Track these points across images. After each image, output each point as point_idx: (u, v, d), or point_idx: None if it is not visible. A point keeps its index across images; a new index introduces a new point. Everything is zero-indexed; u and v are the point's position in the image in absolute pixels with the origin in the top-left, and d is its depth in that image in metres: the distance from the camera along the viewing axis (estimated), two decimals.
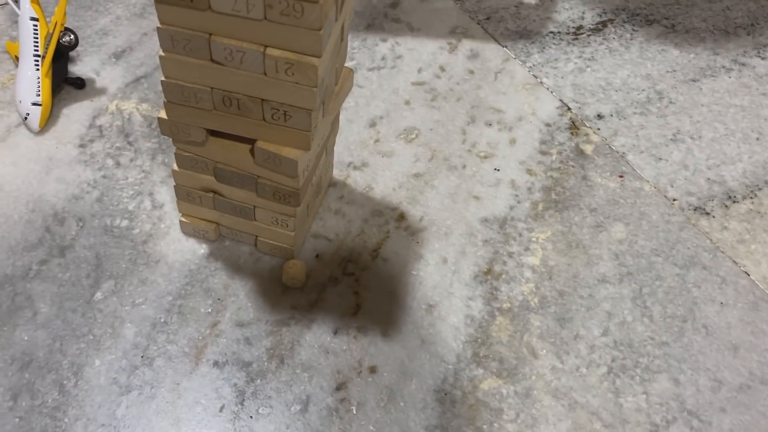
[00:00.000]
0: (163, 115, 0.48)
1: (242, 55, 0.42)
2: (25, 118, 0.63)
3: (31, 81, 0.63)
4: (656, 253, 0.62)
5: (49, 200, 0.60)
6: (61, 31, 0.64)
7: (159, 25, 0.42)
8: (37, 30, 0.64)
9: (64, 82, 0.66)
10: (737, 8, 0.86)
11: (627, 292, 0.59)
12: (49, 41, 0.63)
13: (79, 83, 0.67)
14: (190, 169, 0.52)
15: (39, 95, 0.63)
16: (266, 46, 0.41)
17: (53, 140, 0.64)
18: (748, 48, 0.82)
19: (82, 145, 0.64)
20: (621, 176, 0.67)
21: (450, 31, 0.79)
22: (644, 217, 0.65)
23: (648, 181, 0.68)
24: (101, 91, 0.68)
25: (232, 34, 0.41)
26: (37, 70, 0.63)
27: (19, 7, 0.65)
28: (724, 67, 0.79)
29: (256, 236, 0.57)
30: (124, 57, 0.71)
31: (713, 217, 0.65)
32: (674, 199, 0.66)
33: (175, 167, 0.53)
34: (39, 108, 0.63)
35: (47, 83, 0.63)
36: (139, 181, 0.62)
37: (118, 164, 0.63)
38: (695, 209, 0.66)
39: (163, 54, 0.43)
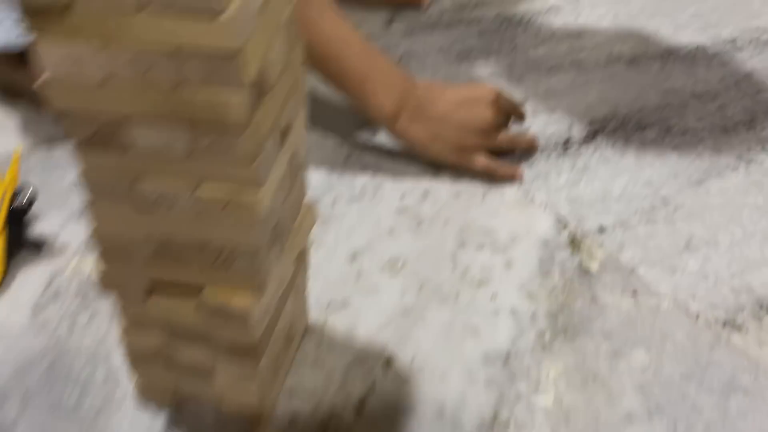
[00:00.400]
0: (98, 271, 0.43)
1: (172, 197, 0.37)
2: None
3: None
4: (687, 379, 0.54)
5: None
6: (13, 194, 0.60)
7: (79, 171, 0.37)
8: None
9: (21, 245, 0.62)
10: (732, 105, 0.82)
11: (660, 430, 0.50)
12: (1, 203, 0.60)
13: (38, 246, 0.63)
14: (137, 330, 0.46)
15: None
16: (197, 185, 0.36)
17: (4, 308, 0.58)
18: (751, 143, 0.77)
19: (35, 312, 0.58)
20: (634, 292, 0.60)
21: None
22: (667, 339, 0.57)
23: (666, 296, 0.60)
24: (61, 250, 0.63)
25: (159, 174, 0.36)
26: None
27: None
28: (729, 165, 0.74)
29: (220, 398, 0.50)
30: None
31: (747, 331, 0.57)
32: (698, 315, 0.59)
33: (122, 329, 0.47)
34: None
35: (0, 249, 0.59)
36: (94, 347, 0.55)
37: (71, 331, 0.57)
38: (724, 324, 0.58)
39: (87, 203, 0.39)
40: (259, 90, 0.34)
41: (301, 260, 0.50)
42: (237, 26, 0.30)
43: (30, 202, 0.61)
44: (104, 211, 0.39)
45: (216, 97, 0.32)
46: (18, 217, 0.61)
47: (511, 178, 0.71)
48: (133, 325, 0.46)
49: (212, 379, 0.48)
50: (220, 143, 0.35)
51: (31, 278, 0.61)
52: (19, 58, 0.73)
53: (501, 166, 0.71)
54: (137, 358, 0.48)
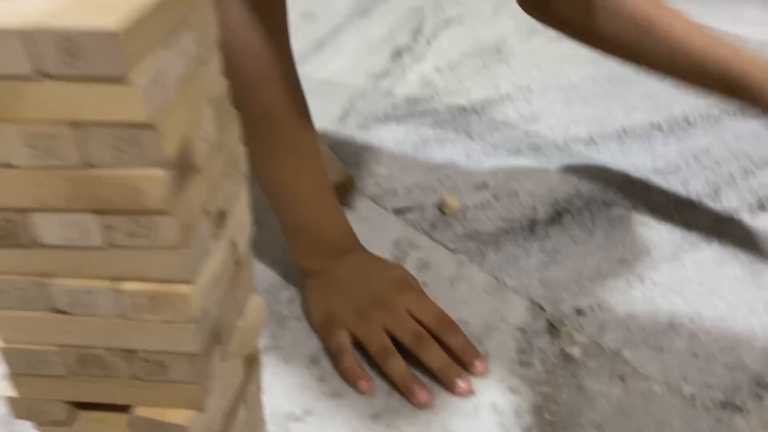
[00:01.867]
0: (11, 393, 0.36)
1: (89, 296, 0.32)
2: None
3: None
4: None
5: None
6: None
7: None
8: None
9: None
10: (694, 179, 0.81)
11: None
12: None
13: None
14: None
15: None
16: (117, 283, 0.31)
17: None
18: (719, 215, 0.75)
19: None
20: (622, 378, 0.55)
21: (393, 244, 0.71)
22: (664, 426, 0.51)
23: (656, 380, 0.55)
24: None
25: (72, 273, 0.31)
26: None
27: None
28: (701, 238, 0.71)
29: None
30: None
31: (748, 412, 0.52)
32: (694, 397, 0.54)
33: None
34: None
35: None
36: None
37: None
38: (723, 406, 0.53)
39: None
40: (182, 170, 0.30)
41: (252, 365, 0.44)
42: (150, 93, 0.27)
43: None
44: (12, 321, 0.33)
45: (129, 177, 0.28)
46: None
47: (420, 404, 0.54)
48: None
49: None
50: (138, 233, 0.30)
51: None
52: None
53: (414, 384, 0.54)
54: None
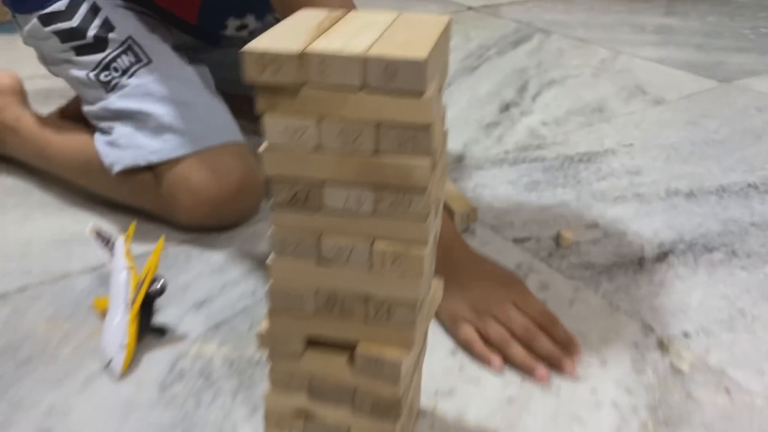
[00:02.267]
0: (264, 326, 0.48)
1: (350, 251, 0.43)
2: (109, 363, 0.63)
3: (118, 326, 0.64)
4: None
5: None
6: (151, 279, 0.67)
7: (271, 230, 0.44)
8: (129, 279, 0.67)
9: (147, 329, 0.67)
10: None
11: None
12: (140, 288, 0.66)
13: (162, 331, 0.68)
14: (283, 390, 0.50)
15: (125, 339, 0.63)
16: (373, 241, 0.43)
17: (133, 385, 0.63)
18: None
19: (162, 389, 0.62)
20: (727, 390, 0.63)
21: (515, 267, 0.81)
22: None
23: (758, 395, 0.63)
24: (182, 337, 0.69)
25: (341, 232, 0.43)
26: (126, 314, 0.65)
27: (113, 260, 0.69)
28: None
29: None
30: (205, 306, 0.73)
31: None
32: None
33: (268, 390, 0.51)
34: (124, 352, 0.63)
35: (134, 327, 0.64)
36: (220, 421, 0.59)
37: (198, 404, 0.61)
38: None
39: (271, 260, 0.45)
40: (433, 162, 0.42)
41: (425, 339, 0.55)
42: (432, 105, 0.38)
43: (162, 290, 0.68)
44: (285, 267, 0.45)
45: (406, 163, 0.40)
46: (150, 302, 0.67)
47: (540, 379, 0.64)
48: (280, 386, 0.50)
49: None
50: (399, 204, 0.41)
51: (155, 360, 0.66)
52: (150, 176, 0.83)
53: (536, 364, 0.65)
54: (277, 421, 0.51)
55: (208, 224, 0.84)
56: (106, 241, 0.72)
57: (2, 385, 0.62)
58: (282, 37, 0.39)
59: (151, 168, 0.83)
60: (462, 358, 0.67)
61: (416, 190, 0.41)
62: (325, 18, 0.44)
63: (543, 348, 0.65)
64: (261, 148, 0.42)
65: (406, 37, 0.40)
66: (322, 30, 0.41)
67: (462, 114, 1.28)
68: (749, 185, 1.01)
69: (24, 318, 0.71)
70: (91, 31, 0.86)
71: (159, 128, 0.83)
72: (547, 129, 1.21)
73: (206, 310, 0.73)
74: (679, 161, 1.09)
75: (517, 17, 1.99)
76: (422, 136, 0.39)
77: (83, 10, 0.86)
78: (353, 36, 0.40)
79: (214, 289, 0.76)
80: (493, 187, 1.00)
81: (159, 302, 0.72)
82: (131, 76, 0.85)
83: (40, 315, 0.71)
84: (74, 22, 0.86)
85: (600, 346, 0.69)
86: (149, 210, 0.86)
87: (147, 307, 0.67)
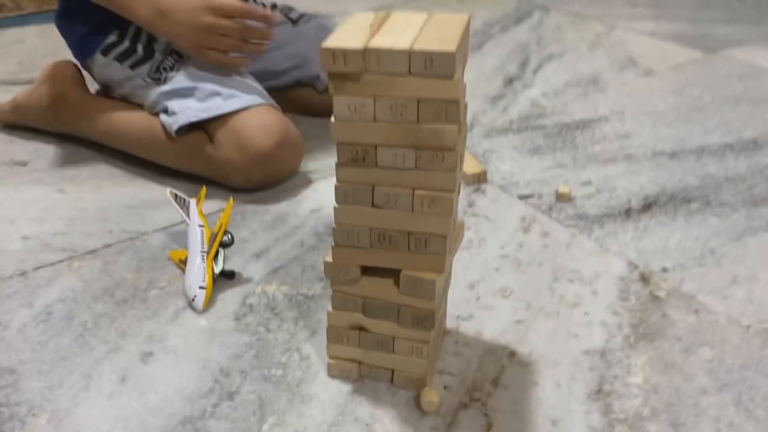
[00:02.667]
0: (329, 258, 0.62)
1: (397, 197, 0.57)
2: (192, 300, 0.78)
3: (198, 270, 0.79)
4: (745, 368, 0.69)
5: (215, 360, 0.71)
6: (224, 232, 0.81)
7: (336, 183, 0.58)
8: (203, 233, 0.81)
9: (220, 274, 0.82)
10: (759, 186, 1.02)
11: (728, 399, 0.66)
12: (213, 240, 0.80)
13: (231, 275, 0.82)
14: (342, 309, 0.65)
15: (204, 280, 0.78)
16: (414, 189, 0.57)
17: (214, 317, 0.77)
18: None
19: (237, 319, 0.77)
20: (696, 311, 0.77)
21: (520, 219, 0.95)
22: (726, 342, 0.73)
23: (721, 314, 0.77)
24: (248, 280, 0.83)
25: (390, 183, 0.57)
26: (203, 261, 0.79)
27: (189, 218, 0.83)
28: (761, 227, 0.92)
29: (393, 371, 0.67)
30: (263, 256, 0.88)
31: None
32: (748, 326, 0.75)
33: (330, 309, 0.65)
34: (204, 291, 0.77)
35: (210, 272, 0.79)
36: (287, 341, 0.73)
37: (268, 330, 0.75)
38: None
39: (336, 206, 0.59)
40: (459, 127, 0.55)
41: (450, 274, 0.69)
42: (459, 85, 0.52)
43: (231, 242, 0.82)
44: (346, 211, 0.59)
45: (439, 128, 0.53)
46: (223, 250, 0.81)
47: (239, 65, 1.00)
48: (339, 306, 0.64)
49: (391, 352, 0.65)
50: (434, 160, 0.55)
51: (229, 298, 0.80)
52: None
53: (229, 58, 0.99)
54: (337, 335, 0.66)
55: (256, 179, 0.99)
56: (183, 201, 0.86)
57: (108, 319, 0.77)
58: (347, 37, 0.53)
59: (206, 131, 0.97)
60: (478, 290, 0.81)
61: (447, 149, 0.55)
62: (374, 19, 0.57)
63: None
64: (331, 121, 0.55)
65: (438, 34, 0.53)
66: (375, 30, 0.55)
67: (470, 88, 1.39)
68: (726, 146, 1.15)
69: (114, 268, 0.85)
70: (140, 47, 1.04)
71: (206, 95, 0.99)
72: (547, 100, 1.34)
73: (264, 258, 0.87)
74: (665, 126, 1.22)
75: None
76: (452, 108, 0.53)
77: (131, 33, 1.05)
78: (399, 34, 0.53)
79: (269, 241, 0.90)
80: (500, 152, 1.14)
81: (226, 252, 0.86)
82: (177, 70, 1.00)
83: (126, 266, 0.86)
84: (126, 44, 1.05)
85: (592, 279, 0.83)
86: (206, 175, 1.00)
87: (219, 255, 0.81)
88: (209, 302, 0.79)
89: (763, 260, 0.86)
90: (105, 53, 1.06)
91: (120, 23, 1.03)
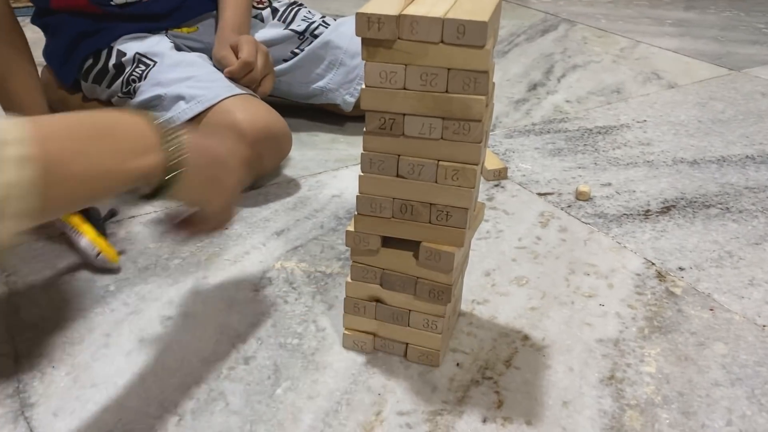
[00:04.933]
0: (351, 227, 0.63)
1: (421, 168, 0.58)
2: (97, 256, 0.80)
3: (86, 245, 0.80)
4: (759, 364, 0.69)
5: (232, 326, 0.72)
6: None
7: (363, 151, 0.59)
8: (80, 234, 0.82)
9: (102, 221, 0.85)
10: None
11: (741, 393, 0.66)
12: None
13: (113, 213, 0.88)
14: (360, 280, 0.65)
15: (95, 248, 0.79)
16: (439, 160, 0.58)
17: (233, 288, 0.78)
18: None
19: (255, 290, 0.78)
20: (711, 309, 0.77)
21: (539, 214, 0.96)
22: (740, 339, 0.73)
23: (736, 313, 0.77)
24: (268, 256, 0.84)
25: (415, 153, 0.58)
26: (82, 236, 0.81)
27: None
28: None
29: (407, 345, 0.67)
30: (283, 234, 0.89)
31: None
32: (764, 325, 0.75)
33: (349, 279, 0.66)
34: (101, 252, 0.80)
35: (91, 232, 0.81)
36: (304, 313, 0.74)
37: (285, 302, 0.76)
38: None
39: (361, 174, 0.60)
40: (487, 100, 0.57)
41: (467, 256, 0.70)
42: (489, 56, 0.53)
43: (113, 213, 0.88)
44: (370, 180, 0.60)
45: (468, 99, 0.55)
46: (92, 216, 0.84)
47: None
48: (358, 277, 0.65)
49: (406, 325, 0.66)
50: (460, 131, 0.56)
51: (248, 271, 0.81)
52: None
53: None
54: (354, 306, 0.67)
55: (252, 166, 0.97)
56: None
57: (130, 284, 0.78)
58: (383, 4, 0.55)
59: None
60: (494, 278, 0.82)
61: (474, 120, 0.56)
62: None
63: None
64: (362, 87, 0.57)
65: (471, 7, 0.55)
66: (409, 2, 0.56)
67: (494, 90, 1.42)
68: (747, 157, 1.15)
69: (137, 238, 0.87)
70: (110, 65, 1.05)
71: (171, 102, 0.97)
72: (570, 106, 1.35)
73: (284, 237, 0.88)
74: (686, 136, 1.23)
75: (544, 8, 2.12)
76: (481, 79, 0.54)
77: (103, 55, 1.06)
78: (433, 5, 0.55)
79: (290, 222, 0.92)
80: (522, 152, 1.15)
81: (245, 230, 0.88)
82: (144, 79, 1.01)
83: (148, 237, 0.88)
84: (99, 65, 1.06)
85: (608, 274, 0.83)
86: None
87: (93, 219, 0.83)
88: (225, 273, 0.80)
89: None
90: (85, 78, 1.08)
91: (91, 45, 1.05)
